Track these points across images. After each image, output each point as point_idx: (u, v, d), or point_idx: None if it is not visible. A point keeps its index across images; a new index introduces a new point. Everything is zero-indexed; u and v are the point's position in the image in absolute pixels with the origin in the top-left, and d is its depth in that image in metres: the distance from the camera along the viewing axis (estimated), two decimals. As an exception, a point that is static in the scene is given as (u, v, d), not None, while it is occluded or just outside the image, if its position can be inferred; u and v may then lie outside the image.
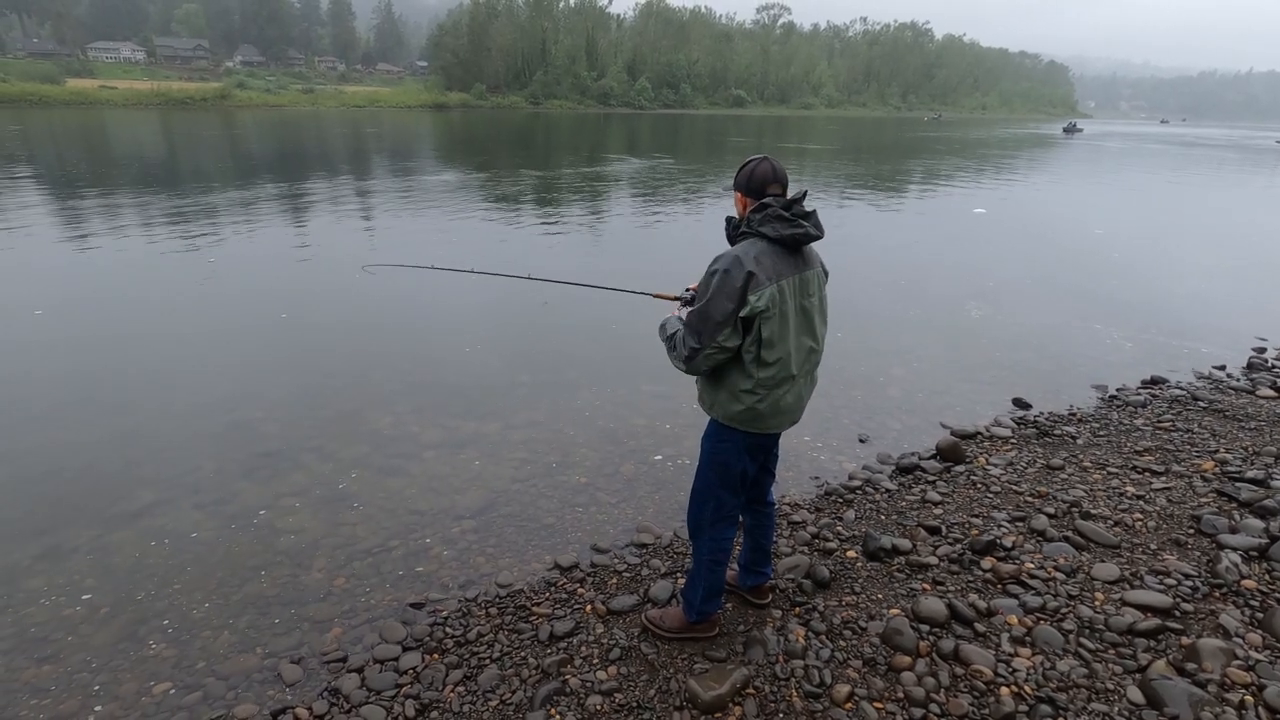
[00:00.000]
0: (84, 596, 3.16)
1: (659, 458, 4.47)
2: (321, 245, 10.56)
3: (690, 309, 2.36)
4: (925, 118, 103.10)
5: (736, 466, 2.50)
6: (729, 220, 2.41)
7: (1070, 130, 66.22)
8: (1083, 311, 7.99)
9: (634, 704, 2.45)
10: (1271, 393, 5.42)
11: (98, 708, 2.59)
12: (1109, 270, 10.28)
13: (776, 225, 2.23)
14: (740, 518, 2.80)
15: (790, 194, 2.33)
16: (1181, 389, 5.68)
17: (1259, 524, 3.36)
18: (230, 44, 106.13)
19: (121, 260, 9.22)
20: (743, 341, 2.26)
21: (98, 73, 77.77)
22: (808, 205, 2.30)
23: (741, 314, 2.20)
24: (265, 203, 14.15)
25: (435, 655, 2.79)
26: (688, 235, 12.00)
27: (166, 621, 3.03)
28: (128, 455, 4.41)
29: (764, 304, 2.19)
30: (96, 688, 2.68)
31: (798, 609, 2.92)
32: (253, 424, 4.82)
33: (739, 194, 2.37)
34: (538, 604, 3.08)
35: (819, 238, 2.28)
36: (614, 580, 3.24)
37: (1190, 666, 2.43)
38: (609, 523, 3.77)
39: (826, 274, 2.48)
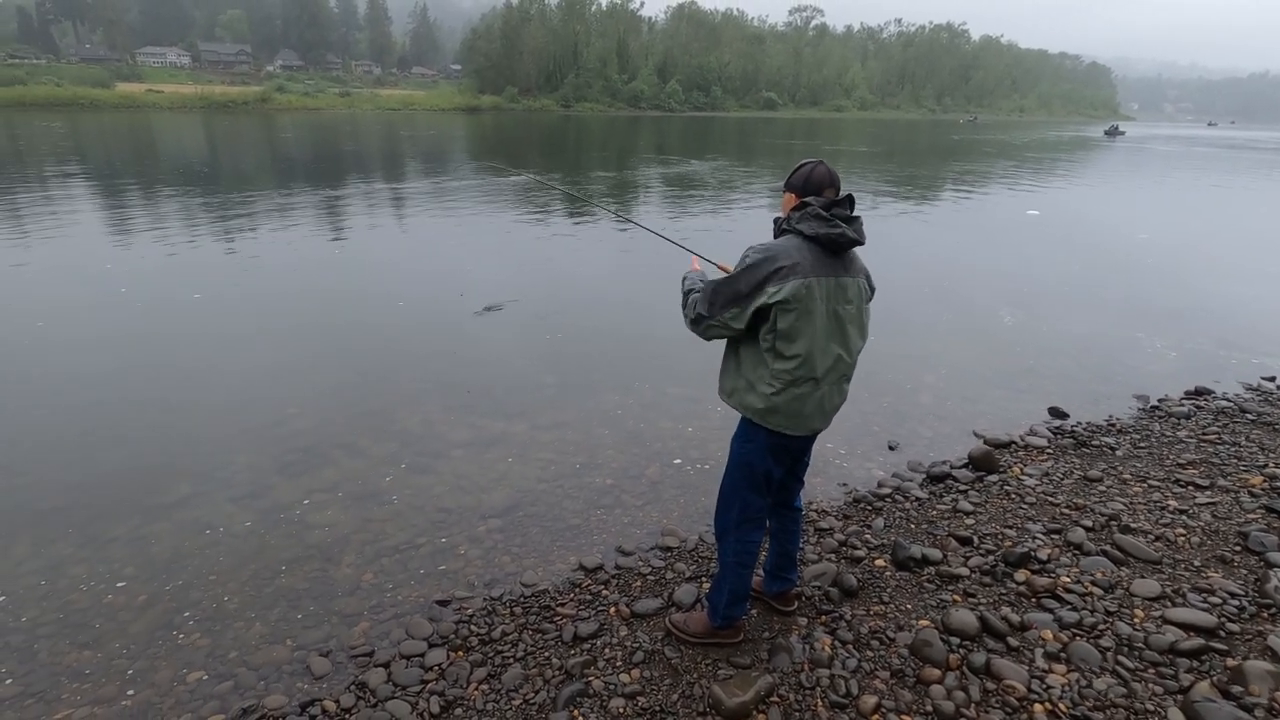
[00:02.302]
0: (121, 584, 3.25)
1: (682, 461, 4.45)
2: (356, 248, 10.77)
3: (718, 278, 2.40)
4: (961, 120, 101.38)
5: (760, 467, 2.48)
6: (776, 220, 2.42)
7: (1112, 133, 64.52)
8: (1124, 319, 7.77)
9: (657, 708, 2.44)
10: (1325, 406, 5.20)
11: (133, 692, 2.66)
12: (1152, 276, 9.98)
13: (813, 224, 2.23)
14: (767, 523, 2.77)
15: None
16: (1228, 400, 5.49)
17: (1311, 542, 3.23)
18: (271, 48, 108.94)
19: (163, 259, 9.49)
20: (759, 329, 2.28)
21: (145, 77, 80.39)
22: (856, 212, 2.29)
23: (757, 303, 2.22)
24: (301, 204, 14.47)
25: (460, 653, 2.81)
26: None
27: (201, 611, 3.10)
28: (166, 449, 4.54)
29: (784, 295, 2.18)
30: (132, 673, 2.76)
31: (824, 617, 2.88)
32: (286, 421, 4.92)
33: (792, 194, 2.39)
34: (562, 604, 3.08)
35: (858, 242, 2.26)
36: (638, 583, 3.23)
37: (1236, 689, 2.34)
38: (634, 525, 3.77)
39: (872, 289, 2.45)
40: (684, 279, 2.61)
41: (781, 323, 2.22)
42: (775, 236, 2.38)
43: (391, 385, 5.58)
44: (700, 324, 2.39)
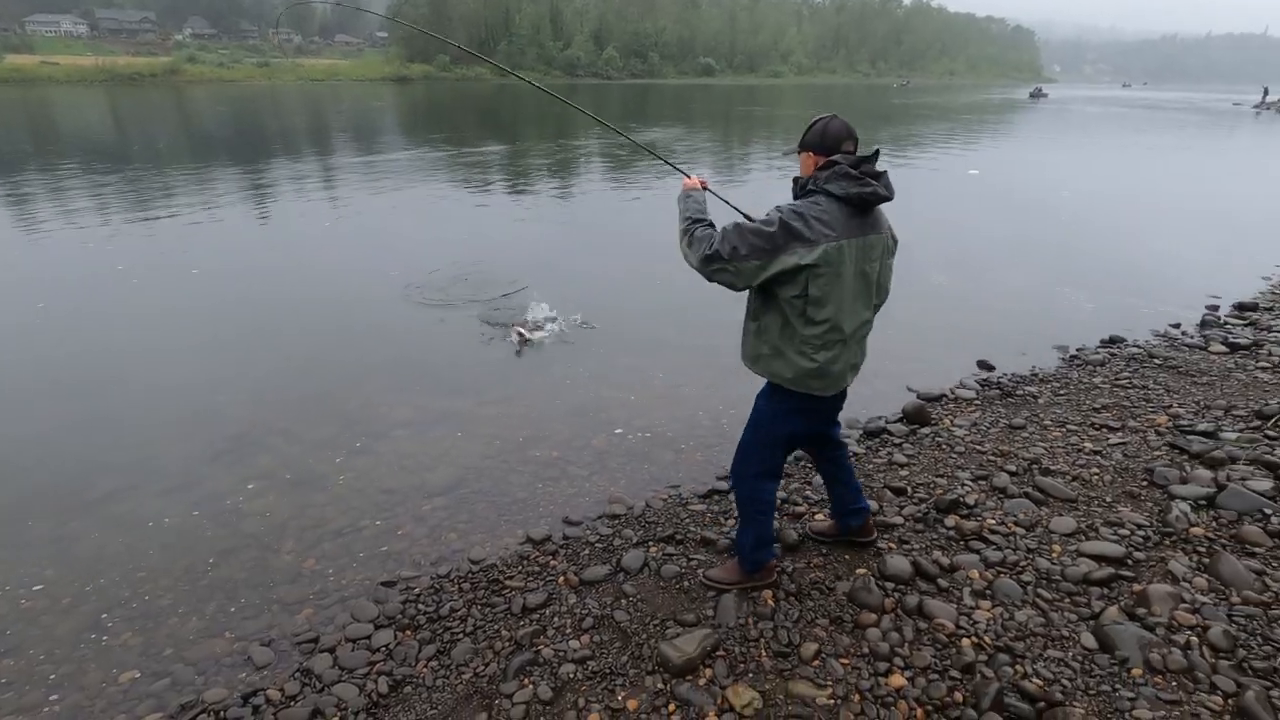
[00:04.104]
0: (38, 587, 3.09)
1: (625, 430, 4.47)
2: (286, 228, 10.30)
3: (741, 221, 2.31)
4: (894, 84, 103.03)
5: (784, 430, 2.54)
6: (796, 180, 2.37)
7: (1036, 95, 66.68)
8: (1047, 274, 8.14)
9: (607, 670, 2.48)
10: (1223, 348, 5.59)
11: (57, 698, 2.55)
12: (1074, 233, 10.46)
13: (843, 183, 2.19)
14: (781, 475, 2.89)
15: (862, 152, 2.31)
16: (1139, 347, 5.84)
17: (1208, 474, 3.49)
18: (178, 16, 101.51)
19: (70, 243, 8.87)
20: (781, 293, 2.25)
21: (37, 48, 74.08)
22: (880, 166, 2.28)
23: (782, 265, 2.17)
24: (223, 183, 13.71)
25: (408, 632, 2.79)
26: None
27: (131, 609, 2.98)
28: (86, 443, 4.30)
29: (815, 259, 2.16)
30: (56, 678, 2.63)
31: (767, 572, 2.96)
32: (215, 408, 4.72)
33: (809, 153, 2.34)
34: (510, 577, 3.09)
35: (888, 199, 2.26)
36: (586, 551, 3.25)
37: (1140, 611, 2.53)
38: (580, 495, 3.78)
39: (895, 242, 2.46)
40: (684, 199, 2.47)
41: (813, 288, 2.20)
42: (796, 197, 2.33)
43: (328, 367, 5.41)
44: (712, 264, 2.24)
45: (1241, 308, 6.82)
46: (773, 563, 2.84)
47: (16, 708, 2.52)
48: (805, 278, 2.19)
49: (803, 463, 4.03)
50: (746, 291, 2.41)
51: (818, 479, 3.79)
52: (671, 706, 2.29)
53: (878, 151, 2.31)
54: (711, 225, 2.38)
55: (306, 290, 7.30)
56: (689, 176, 2.67)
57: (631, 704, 2.32)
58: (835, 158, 2.25)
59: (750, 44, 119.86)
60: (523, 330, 4.77)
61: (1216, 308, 6.94)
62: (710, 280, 2.32)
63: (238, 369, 5.35)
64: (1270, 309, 6.76)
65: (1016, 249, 9.44)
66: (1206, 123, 37.44)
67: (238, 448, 4.25)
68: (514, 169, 16.50)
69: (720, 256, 2.22)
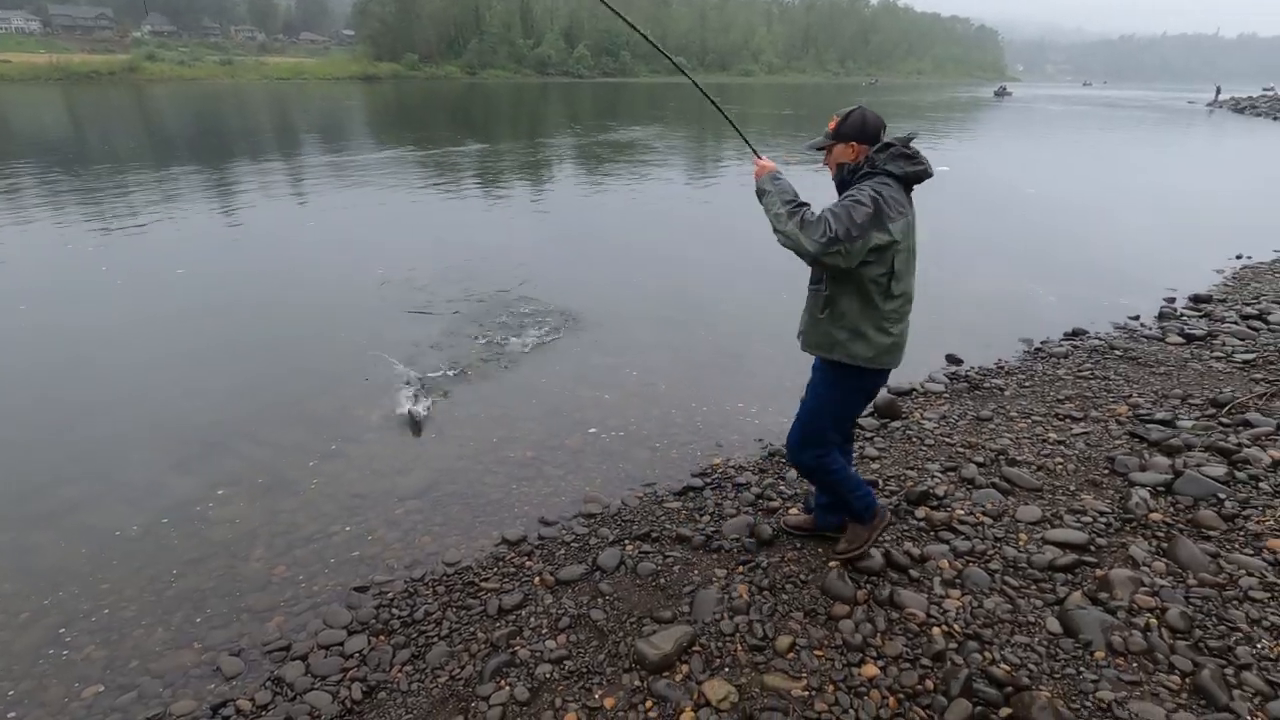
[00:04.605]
0: (-1, 602, 2.99)
1: (599, 430, 4.47)
2: (266, 229, 10.09)
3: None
4: (863, 83, 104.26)
5: (854, 410, 2.69)
6: (841, 167, 2.46)
7: (1000, 94, 68.06)
8: (1013, 269, 8.31)
9: (584, 669, 2.48)
10: (1179, 339, 5.76)
11: (14, 715, 2.47)
12: (1038, 228, 10.70)
13: (901, 163, 2.34)
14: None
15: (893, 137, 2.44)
16: (1100, 339, 6.00)
17: (1166, 461, 3.60)
18: (136, 12, 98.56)
19: (30, 245, 8.60)
20: (866, 271, 2.33)
21: (-13, 45, 71.48)
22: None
23: (878, 240, 2.26)
24: (186, 185, 13.39)
25: (382, 637, 2.76)
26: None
27: (93, 622, 2.90)
28: (46, 452, 4.17)
29: (898, 234, 2.30)
30: (15, 694, 2.56)
31: (741, 567, 2.99)
32: (182, 414, 4.61)
33: (851, 143, 2.43)
34: (485, 579, 3.07)
35: (930, 176, 2.40)
36: (562, 551, 3.25)
37: (1103, 596, 2.60)
38: (555, 495, 3.77)
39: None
40: (773, 181, 2.39)
41: (897, 262, 2.34)
42: (844, 182, 2.43)
43: (298, 371, 5.32)
44: (832, 246, 2.19)
45: (1197, 300, 7.04)
46: (879, 505, 2.91)
47: (-28, 727, 2.44)
48: (891, 254, 2.32)
49: (777, 458, 4.07)
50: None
51: (791, 474, 3.84)
52: (649, 703, 2.30)
53: (915, 134, 2.47)
54: (810, 207, 2.37)
55: (282, 293, 7.16)
56: (760, 157, 2.59)
57: (609, 702, 2.32)
58: (888, 140, 2.40)
59: (721, 43, 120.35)
60: (414, 410, 4.37)
61: (1173, 300, 7.15)
62: (819, 261, 2.25)
63: (207, 373, 5.23)
64: (1224, 301, 6.98)
65: (983, 244, 9.62)
66: (1163, 120, 38.54)
67: (205, 454, 4.16)
68: (492, 168, 16.37)
69: (839, 238, 2.20)
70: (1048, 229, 10.65)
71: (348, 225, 10.26)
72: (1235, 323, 6.12)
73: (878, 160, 2.37)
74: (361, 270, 7.77)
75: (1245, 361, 5.12)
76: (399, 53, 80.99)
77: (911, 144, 2.41)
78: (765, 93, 64.10)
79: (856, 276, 2.35)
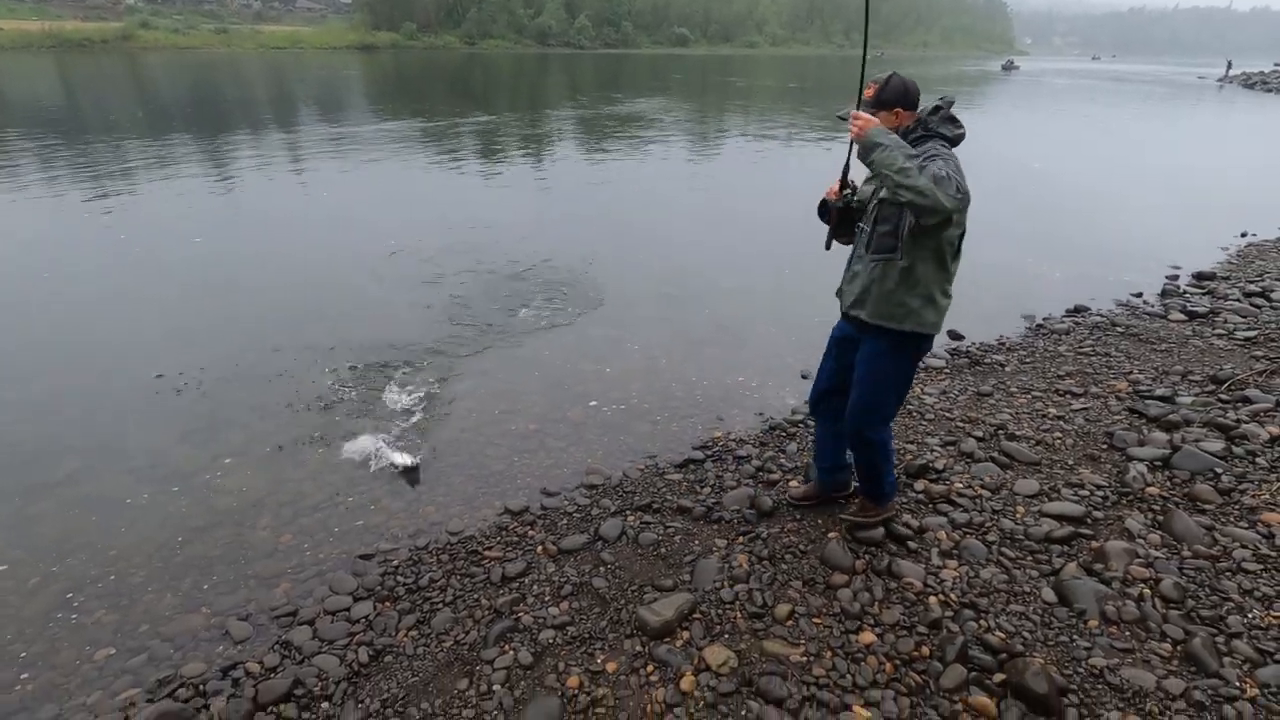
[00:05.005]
0: (3, 568, 3.03)
1: (599, 403, 4.49)
2: (279, 198, 10.02)
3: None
4: (869, 56, 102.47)
5: (911, 378, 2.71)
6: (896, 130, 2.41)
7: (1008, 68, 67.01)
8: (1017, 245, 8.27)
9: (586, 635, 2.53)
10: (1181, 317, 5.76)
11: (28, 676, 2.52)
12: (1043, 204, 10.62)
13: (950, 126, 2.37)
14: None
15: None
16: (1102, 316, 5.99)
17: (1164, 436, 3.62)
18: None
19: (45, 218, 8.57)
20: (942, 233, 2.36)
21: (-23, 12, 70.16)
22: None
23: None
24: (217, 155, 13.26)
25: (387, 603, 2.80)
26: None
27: (102, 588, 2.94)
28: (49, 422, 4.20)
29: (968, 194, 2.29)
30: (27, 656, 2.60)
31: (741, 538, 3.03)
32: (185, 385, 4.63)
33: (895, 110, 2.42)
34: (489, 548, 3.11)
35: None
36: (564, 521, 3.29)
37: (1098, 567, 2.64)
38: (557, 467, 3.80)
39: None
40: (886, 135, 2.25)
41: (965, 223, 2.37)
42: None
43: (301, 343, 5.31)
44: (962, 203, 2.20)
45: (1200, 277, 7.02)
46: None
47: (-12, 688, 2.49)
48: (964, 214, 2.33)
49: (777, 431, 4.09)
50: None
51: (791, 447, 3.87)
52: (650, 667, 2.35)
53: (953, 99, 2.47)
54: None
55: (293, 265, 7.19)
56: (858, 112, 2.38)
57: (611, 666, 2.37)
58: (937, 103, 2.40)
59: (724, 13, 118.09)
60: (397, 460, 3.72)
61: (1176, 277, 7.13)
62: (946, 216, 2.23)
63: (213, 344, 5.24)
64: (1227, 278, 6.96)
65: (988, 220, 9.49)
66: (1172, 95, 38.00)
67: (207, 425, 4.18)
68: (497, 142, 16.19)
69: (967, 195, 2.22)
70: (1052, 205, 10.57)
71: (357, 198, 10.20)
72: (1238, 300, 6.10)
73: (930, 123, 2.37)
74: (372, 243, 7.77)
75: (1246, 339, 5.13)
76: (397, 21, 79.49)
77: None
78: (770, 65, 63.13)
79: (935, 240, 2.37)
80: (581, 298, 6.25)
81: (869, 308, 2.55)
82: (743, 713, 2.13)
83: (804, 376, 4.86)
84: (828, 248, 2.82)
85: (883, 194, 2.42)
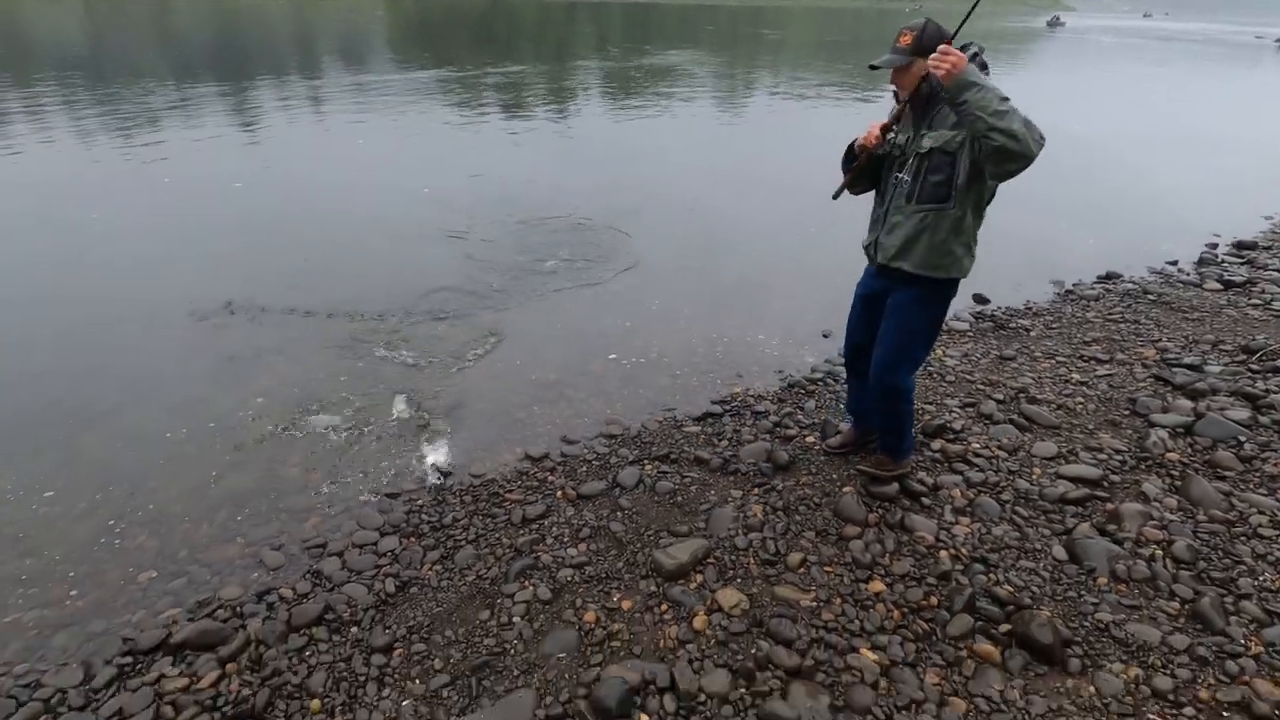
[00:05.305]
0: (49, 494, 3.19)
1: (619, 355, 4.52)
2: (299, 148, 10.05)
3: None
4: (906, 8, 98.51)
5: (940, 326, 2.74)
6: (925, 79, 2.39)
7: (1054, 24, 64.13)
8: (1052, 209, 8.05)
9: (603, 575, 2.62)
10: (1217, 286, 5.62)
11: (77, 593, 2.67)
12: (1083, 167, 10.28)
13: (986, 73, 2.31)
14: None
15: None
16: (1134, 283, 5.86)
17: (1189, 404, 3.59)
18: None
19: (92, 161, 8.72)
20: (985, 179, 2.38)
21: (3, -49, 69.61)
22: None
23: None
24: (233, 103, 13.28)
25: (412, 539, 2.91)
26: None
27: (143, 516, 3.08)
28: (93, 356, 4.36)
29: None
30: (76, 575, 2.75)
31: (756, 489, 3.08)
32: (222, 325, 4.76)
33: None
34: (510, 491, 3.20)
35: None
36: (584, 468, 3.36)
37: (1111, 528, 2.66)
38: (577, 416, 3.87)
39: None
40: (976, 73, 2.20)
41: None
42: (937, 92, 2.37)
43: (331, 289, 5.40)
44: (1043, 146, 2.19)
45: (1240, 246, 6.81)
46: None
47: (41, 602, 2.65)
48: None
49: (796, 389, 4.11)
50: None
51: (810, 405, 3.89)
52: (664, 606, 2.44)
53: (983, 48, 2.40)
54: None
55: (325, 211, 7.31)
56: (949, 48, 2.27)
57: (626, 604, 2.46)
58: (970, 47, 2.32)
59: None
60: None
61: (1216, 246, 6.93)
62: (1029, 162, 2.21)
63: (249, 286, 5.36)
64: (1269, 248, 6.75)
65: (1023, 182, 9.25)
66: (1226, 56, 36.18)
67: (238, 365, 4.30)
68: (527, 93, 15.97)
69: (1044, 141, 2.20)
70: (1089, 170, 10.23)
71: (390, 148, 10.25)
72: (1278, 270, 5.93)
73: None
74: (404, 192, 7.87)
75: (1283, 309, 5.00)
76: (420, -32, 77.60)
77: None
78: (804, 17, 60.98)
79: (981, 188, 2.40)
80: (606, 253, 6.24)
81: (914, 258, 2.54)
82: (752, 650, 2.21)
83: (825, 336, 4.85)
84: (836, 197, 2.80)
85: (928, 143, 2.39)
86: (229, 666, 2.29)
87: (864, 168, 2.63)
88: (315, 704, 2.14)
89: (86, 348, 4.49)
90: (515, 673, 2.22)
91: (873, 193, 2.78)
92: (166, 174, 8.30)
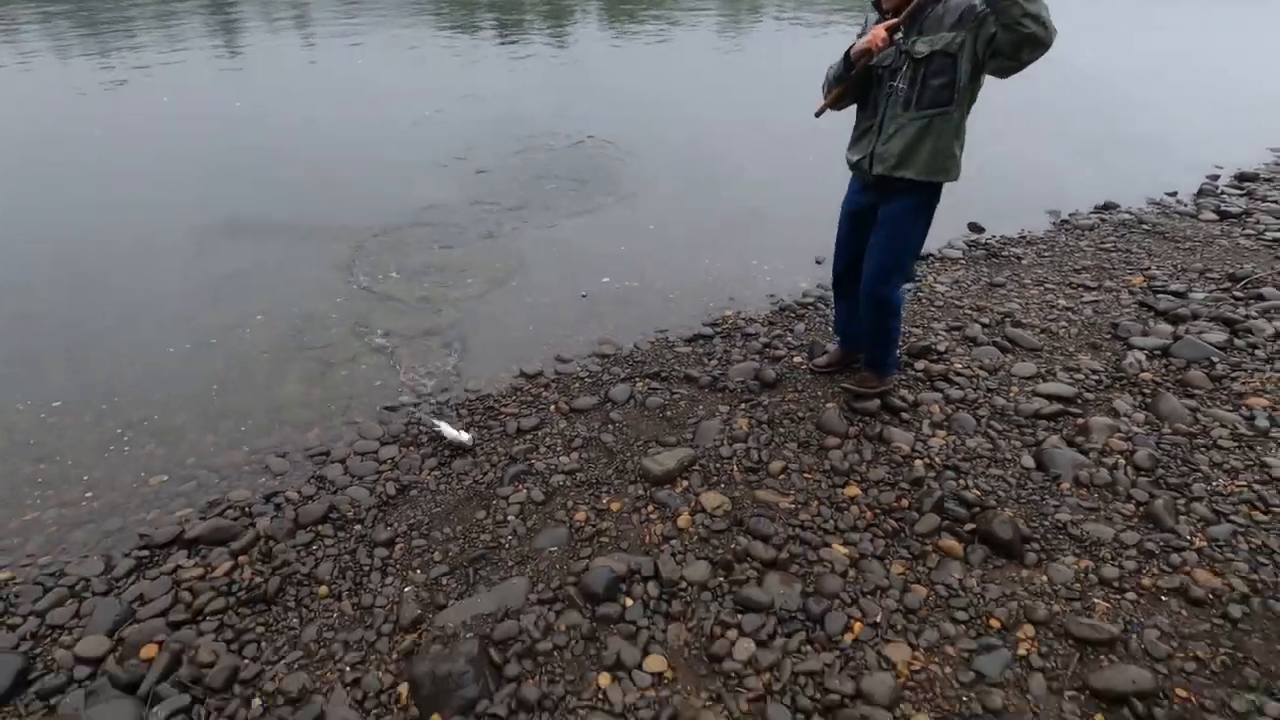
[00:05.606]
0: (57, 404, 3.30)
1: (613, 279, 4.56)
2: (298, 68, 9.76)
3: None
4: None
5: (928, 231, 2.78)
6: None
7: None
8: (1054, 137, 7.93)
9: (593, 480, 2.75)
10: (1213, 216, 5.61)
11: (92, 495, 2.81)
12: (1089, 94, 10.05)
13: None
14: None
15: None
16: (1130, 213, 5.84)
17: (1169, 329, 3.66)
18: None
19: (74, 80, 8.49)
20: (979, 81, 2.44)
21: None
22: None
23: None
24: (222, 24, 12.76)
25: (411, 448, 3.03)
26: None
27: (150, 426, 3.20)
28: (89, 276, 4.40)
29: None
30: (90, 479, 2.89)
31: (743, 405, 3.19)
32: (219, 243, 4.80)
33: None
34: (505, 405, 3.30)
35: None
36: (576, 385, 3.46)
37: (1079, 440, 2.78)
38: (571, 336, 3.94)
39: None
40: None
41: None
42: None
43: (329, 209, 5.41)
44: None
45: (1242, 178, 6.73)
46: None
47: (58, 502, 2.79)
48: None
49: (787, 312, 4.18)
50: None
51: (799, 328, 3.97)
52: (650, 508, 2.57)
53: None
54: None
55: (324, 130, 7.34)
56: None
57: (615, 505, 2.60)
58: None
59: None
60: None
61: (1217, 177, 6.85)
62: (1046, 50, 2.22)
63: (248, 204, 5.43)
64: (1271, 180, 6.68)
65: (1027, 109, 9.06)
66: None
67: (238, 284, 4.36)
68: (526, 11, 15.34)
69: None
70: (1099, 95, 9.99)
71: (388, 68, 10.20)
72: (1276, 202, 5.90)
73: None
74: (402, 114, 7.79)
75: (1275, 239, 5.01)
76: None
77: None
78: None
79: (976, 89, 2.44)
80: (604, 177, 6.19)
81: (917, 165, 2.55)
82: (732, 545, 2.36)
83: (818, 262, 4.87)
84: (819, 115, 2.80)
85: (924, 48, 2.40)
86: (241, 558, 2.44)
87: (859, 79, 2.61)
88: (323, 589, 2.30)
89: (87, 265, 4.54)
90: (510, 564, 2.37)
91: (854, 109, 2.77)
92: (165, 93, 8.12)
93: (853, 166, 2.82)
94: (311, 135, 7.12)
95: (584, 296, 4.34)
